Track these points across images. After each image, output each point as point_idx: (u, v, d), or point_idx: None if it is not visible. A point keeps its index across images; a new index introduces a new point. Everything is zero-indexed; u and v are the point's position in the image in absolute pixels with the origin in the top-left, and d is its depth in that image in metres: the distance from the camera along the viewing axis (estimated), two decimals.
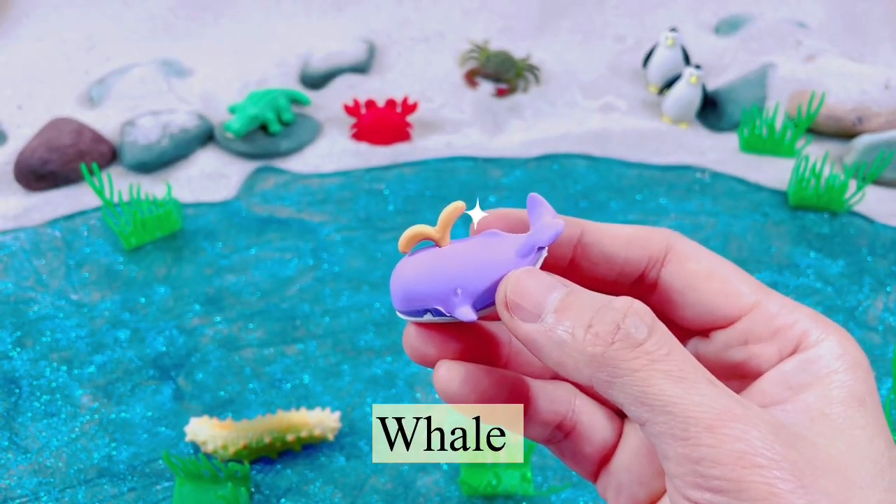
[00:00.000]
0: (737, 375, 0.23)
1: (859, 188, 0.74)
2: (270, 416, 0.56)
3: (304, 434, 0.55)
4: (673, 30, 0.87)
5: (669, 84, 0.85)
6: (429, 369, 0.65)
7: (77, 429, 0.58)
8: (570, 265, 0.24)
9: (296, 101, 0.85)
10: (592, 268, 0.24)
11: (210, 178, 0.78)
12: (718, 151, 0.83)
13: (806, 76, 0.85)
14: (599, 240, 0.24)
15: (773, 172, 0.80)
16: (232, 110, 0.81)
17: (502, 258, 0.23)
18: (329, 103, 0.87)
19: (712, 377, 0.20)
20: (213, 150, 0.81)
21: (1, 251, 0.70)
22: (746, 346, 0.23)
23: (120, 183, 0.77)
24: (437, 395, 0.60)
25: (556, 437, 0.25)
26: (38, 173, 0.75)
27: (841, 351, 0.23)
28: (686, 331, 0.25)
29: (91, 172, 0.76)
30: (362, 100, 0.84)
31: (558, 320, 0.20)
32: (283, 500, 0.54)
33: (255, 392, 0.60)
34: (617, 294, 0.22)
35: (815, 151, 0.82)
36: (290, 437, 0.55)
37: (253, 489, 0.54)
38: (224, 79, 0.88)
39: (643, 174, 0.80)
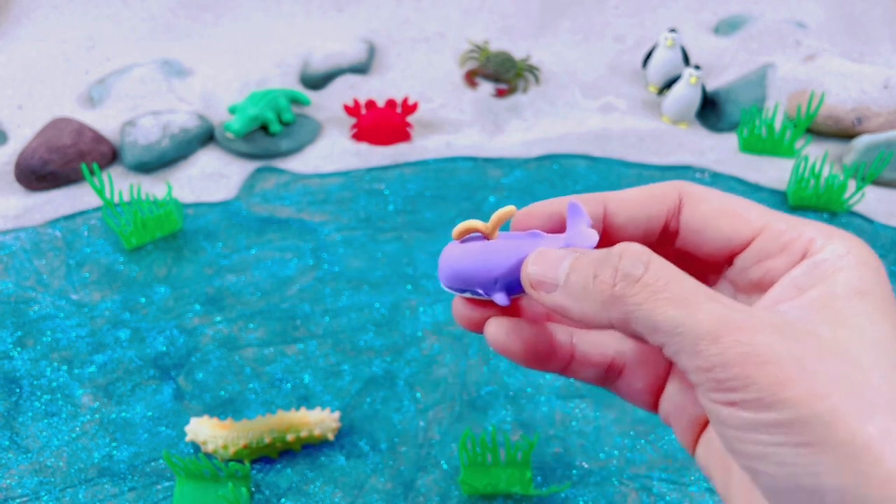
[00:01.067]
0: (757, 291, 0.26)
1: (858, 188, 0.74)
2: (270, 415, 0.56)
3: (304, 434, 0.55)
4: (672, 30, 0.87)
5: (669, 84, 0.85)
6: (427, 370, 0.66)
7: (78, 428, 0.58)
8: (602, 236, 0.27)
9: (296, 101, 0.85)
10: (620, 231, 0.27)
11: (210, 179, 0.78)
12: (718, 151, 0.83)
13: (805, 76, 0.86)
14: (622, 209, 0.27)
15: (773, 172, 0.80)
16: (232, 110, 0.81)
17: None
18: (329, 103, 0.87)
19: (714, 294, 0.22)
20: (214, 150, 0.81)
21: (1, 251, 0.70)
22: (761, 264, 0.25)
23: (120, 183, 0.77)
24: (436, 396, 0.60)
25: (610, 377, 0.28)
26: (38, 173, 0.75)
27: (845, 251, 0.24)
28: (714, 264, 0.27)
29: (91, 172, 0.76)
30: (362, 100, 0.84)
31: (570, 280, 0.24)
32: (283, 500, 0.54)
33: (255, 392, 0.60)
34: (651, 247, 0.25)
35: (814, 151, 0.82)
36: (290, 437, 0.55)
37: (253, 489, 0.55)
38: (224, 79, 0.89)
39: (643, 174, 0.80)
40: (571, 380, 0.61)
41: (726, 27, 0.99)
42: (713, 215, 0.26)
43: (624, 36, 0.99)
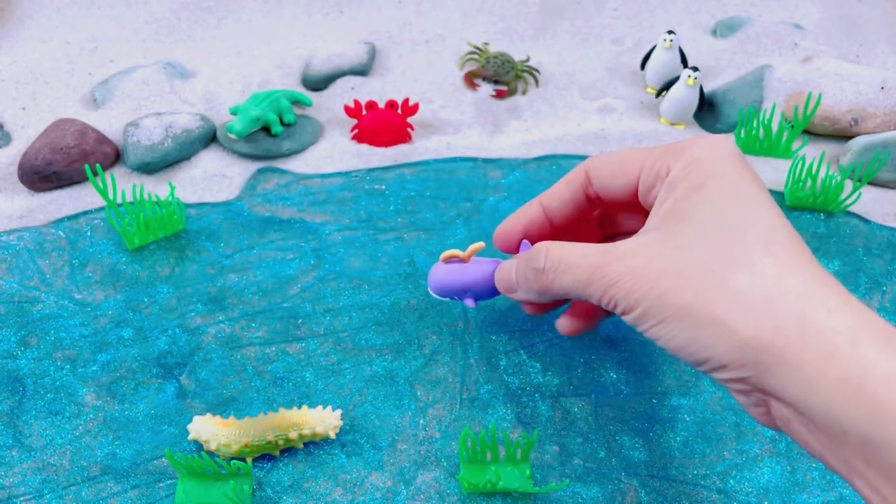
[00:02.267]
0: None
1: (855, 189, 0.75)
2: (273, 414, 0.56)
3: (306, 432, 0.55)
4: (670, 32, 0.88)
5: (667, 86, 0.86)
6: (427, 368, 0.68)
7: (81, 427, 0.58)
8: (548, 225, 0.41)
9: (298, 102, 0.86)
10: (557, 215, 0.39)
11: (213, 179, 0.79)
12: None
13: (802, 78, 0.86)
14: (551, 202, 0.38)
15: (770, 173, 0.81)
16: (234, 111, 0.82)
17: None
18: (330, 105, 0.88)
19: (588, 250, 0.32)
20: (216, 150, 0.82)
21: (5, 251, 0.71)
22: (649, 194, 0.33)
23: (123, 183, 0.77)
24: (437, 395, 0.60)
25: (599, 318, 0.44)
26: (41, 174, 0.76)
27: (687, 161, 0.31)
28: (640, 210, 0.35)
29: (95, 173, 0.76)
30: (363, 102, 0.85)
31: (518, 284, 0.38)
32: (284, 497, 0.55)
33: (257, 390, 0.61)
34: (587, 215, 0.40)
35: (811, 152, 0.83)
36: (292, 435, 0.55)
37: (255, 486, 0.55)
38: (226, 80, 0.89)
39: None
40: (571, 379, 0.62)
41: (724, 29, 0.99)
42: (608, 175, 0.35)
43: (622, 38, 0.99)
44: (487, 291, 0.53)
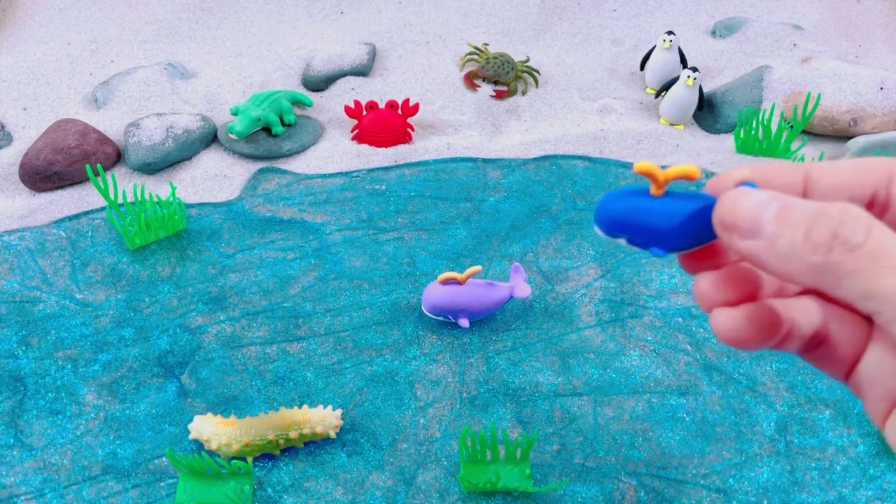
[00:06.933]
0: None
1: None
2: (273, 413, 0.56)
3: (306, 431, 0.56)
4: (670, 32, 0.88)
5: (667, 86, 0.86)
6: (428, 368, 0.68)
7: (82, 426, 0.58)
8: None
9: (298, 102, 0.86)
10: (821, 200, 0.26)
11: (214, 179, 0.79)
12: (715, 153, 0.84)
13: (801, 78, 0.86)
14: (824, 177, 0.25)
15: None
16: (235, 112, 0.82)
17: (492, 298, 0.57)
18: (331, 105, 0.88)
19: None
20: (217, 151, 0.82)
21: (6, 251, 0.71)
22: None
23: (124, 184, 0.78)
24: (437, 394, 0.60)
25: (810, 346, 0.27)
26: (43, 174, 0.76)
27: None
28: None
29: (96, 173, 0.76)
30: (364, 102, 0.85)
31: (776, 234, 0.21)
32: (285, 497, 0.55)
33: (258, 389, 0.61)
34: None
35: (810, 153, 0.83)
36: (292, 435, 0.55)
37: (256, 486, 0.55)
38: (227, 81, 0.89)
39: (640, 175, 0.80)
40: (570, 378, 0.62)
41: (723, 30, 1.00)
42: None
43: (622, 38, 1.00)
44: (482, 312, 0.60)
